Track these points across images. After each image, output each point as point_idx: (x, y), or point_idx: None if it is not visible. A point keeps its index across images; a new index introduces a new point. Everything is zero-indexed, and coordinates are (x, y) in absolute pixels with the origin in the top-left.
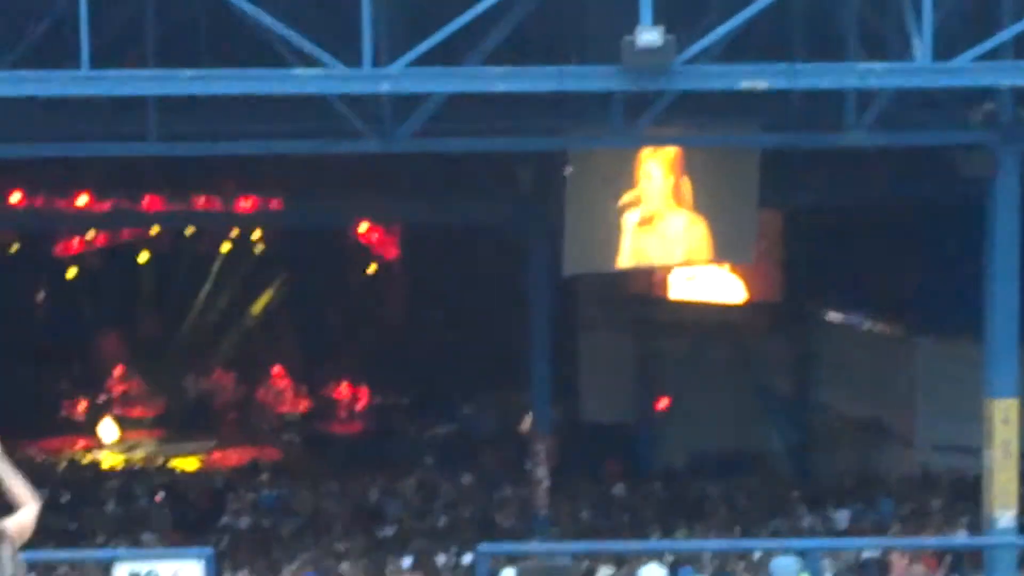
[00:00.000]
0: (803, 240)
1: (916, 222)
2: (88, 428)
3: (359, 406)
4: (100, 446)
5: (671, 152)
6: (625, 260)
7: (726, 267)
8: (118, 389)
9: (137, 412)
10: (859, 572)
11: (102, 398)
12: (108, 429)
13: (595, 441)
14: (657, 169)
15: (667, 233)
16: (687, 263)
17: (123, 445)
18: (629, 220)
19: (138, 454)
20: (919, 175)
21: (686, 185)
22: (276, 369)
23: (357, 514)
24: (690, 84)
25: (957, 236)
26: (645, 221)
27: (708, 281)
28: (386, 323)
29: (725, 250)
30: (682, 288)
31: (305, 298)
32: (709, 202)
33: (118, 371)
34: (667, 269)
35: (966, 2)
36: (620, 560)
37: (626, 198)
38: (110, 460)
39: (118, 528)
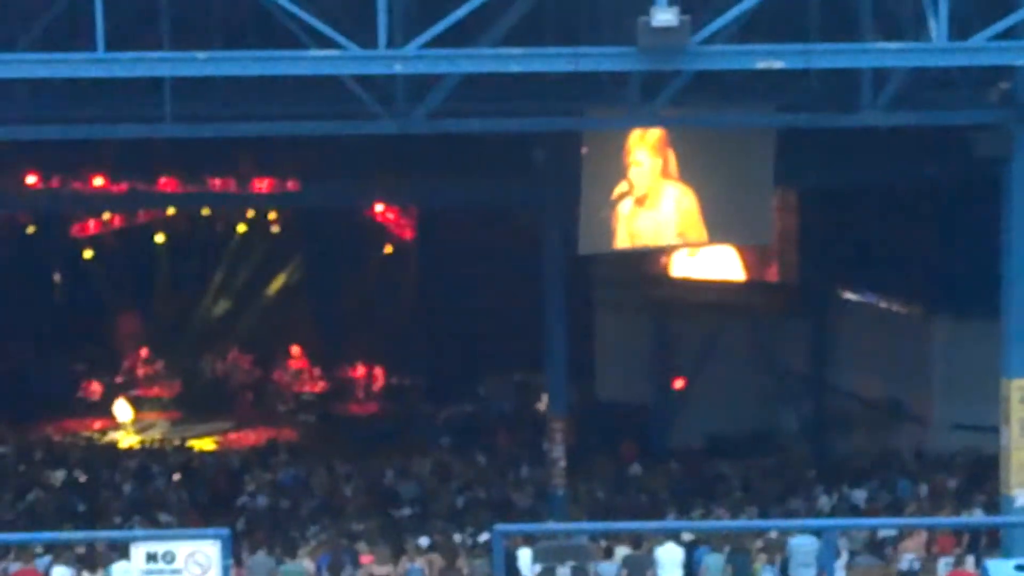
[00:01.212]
0: (819, 220)
1: (932, 202)
2: (105, 409)
3: (375, 387)
4: (119, 425)
5: (656, 133)
6: (622, 241)
7: (729, 246)
8: (142, 370)
9: (154, 392)
10: (875, 550)
11: (119, 379)
12: (123, 409)
13: (611, 421)
14: (644, 154)
15: (660, 214)
16: (683, 243)
17: (139, 425)
18: (624, 207)
19: (154, 434)
20: (935, 155)
21: (672, 162)
22: (293, 350)
23: (373, 494)
24: (705, 64)
25: (973, 215)
26: (639, 202)
27: (725, 259)
28: (402, 304)
29: (740, 230)
30: (701, 266)
31: (321, 279)
32: (712, 184)
33: (143, 352)
34: (666, 249)
35: None
36: (637, 540)
37: (618, 190)
38: (127, 441)
39: (135, 509)
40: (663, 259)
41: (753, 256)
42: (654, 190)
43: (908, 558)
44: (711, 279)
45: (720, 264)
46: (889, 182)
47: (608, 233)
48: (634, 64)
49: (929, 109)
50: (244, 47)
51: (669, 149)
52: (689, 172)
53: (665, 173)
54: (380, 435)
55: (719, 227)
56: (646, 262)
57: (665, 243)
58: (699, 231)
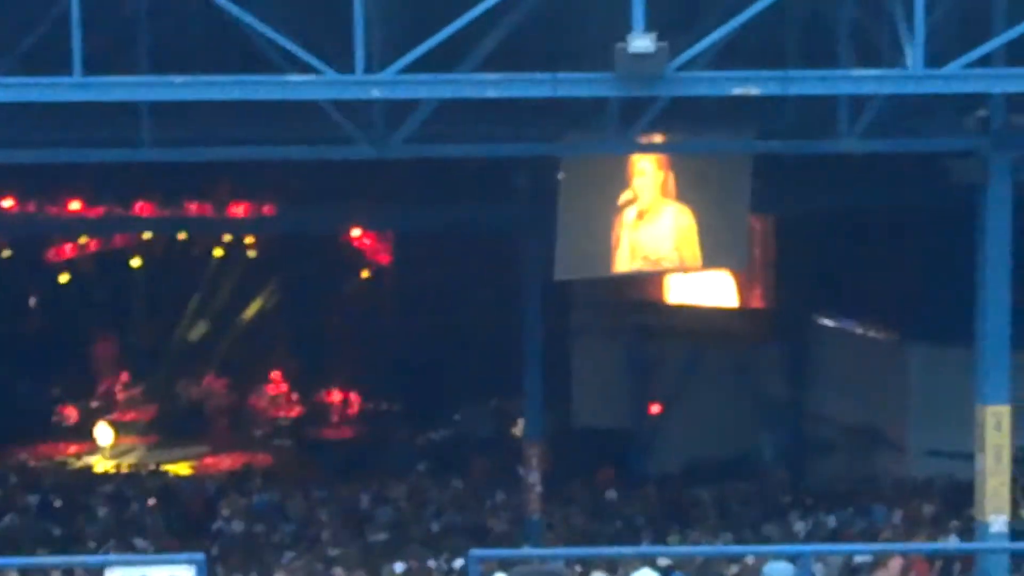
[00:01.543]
0: (796, 246)
1: (909, 228)
2: (81, 433)
3: (351, 412)
4: (94, 450)
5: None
6: (623, 262)
7: (722, 271)
8: (121, 394)
9: (131, 417)
10: None
11: (95, 403)
12: (103, 433)
13: (588, 446)
14: (648, 164)
15: (659, 229)
16: (681, 267)
17: (117, 449)
18: (627, 216)
19: (131, 459)
20: (912, 181)
21: (671, 182)
22: (268, 374)
23: (349, 520)
24: (683, 90)
25: (949, 242)
26: (640, 216)
27: (703, 285)
28: (379, 328)
29: (718, 256)
30: (678, 291)
31: (298, 303)
32: (701, 208)
33: (123, 376)
34: (663, 271)
35: (958, 9)
36: (613, 565)
37: (624, 196)
38: (102, 465)
39: (110, 533)
40: (647, 283)
41: (730, 282)
42: (655, 206)
43: None
44: (688, 304)
45: (707, 289)
46: (865, 208)
47: (603, 257)
48: (612, 90)
49: (906, 136)
50: (222, 72)
51: (669, 170)
52: (683, 194)
53: (665, 191)
54: (356, 460)
55: (699, 246)
56: (624, 287)
57: (665, 259)
58: (694, 254)
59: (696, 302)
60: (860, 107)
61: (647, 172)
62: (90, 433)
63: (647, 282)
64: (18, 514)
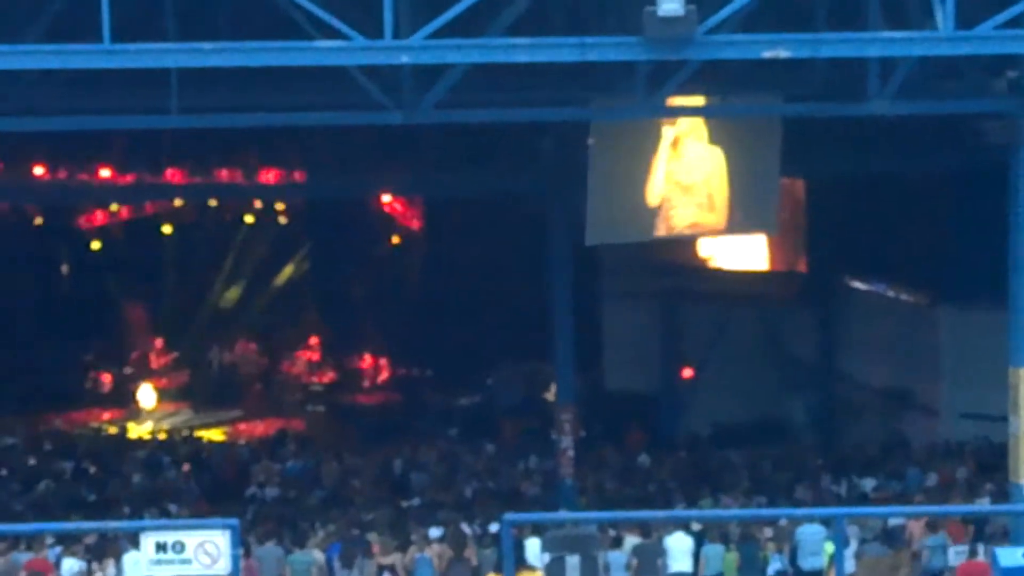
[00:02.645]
0: (827, 209)
1: (940, 191)
2: (114, 400)
3: (383, 377)
4: (130, 416)
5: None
6: (655, 192)
7: (753, 234)
8: (156, 361)
9: (164, 383)
10: (888, 539)
11: (128, 370)
12: (146, 395)
13: (620, 411)
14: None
15: (691, 159)
16: (708, 204)
17: (160, 413)
18: (664, 142)
19: (174, 422)
20: (942, 144)
21: (706, 130)
22: (301, 340)
23: (382, 485)
24: (712, 54)
25: (981, 204)
26: (675, 143)
27: (733, 248)
28: (409, 294)
29: (749, 219)
30: (709, 254)
31: (328, 269)
32: (732, 164)
33: (157, 343)
34: (695, 230)
35: None
36: (646, 529)
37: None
38: (137, 431)
39: (144, 499)
40: (683, 245)
41: (761, 245)
42: (689, 135)
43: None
44: (719, 267)
45: (737, 252)
46: (896, 171)
47: (637, 221)
48: (640, 54)
49: (936, 98)
50: (251, 38)
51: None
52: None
53: (699, 133)
54: (388, 426)
55: (729, 216)
56: (654, 251)
57: (692, 190)
58: (723, 197)
59: (727, 265)
60: (890, 70)
61: (682, 124)
62: (124, 399)
63: (677, 246)
64: (53, 480)
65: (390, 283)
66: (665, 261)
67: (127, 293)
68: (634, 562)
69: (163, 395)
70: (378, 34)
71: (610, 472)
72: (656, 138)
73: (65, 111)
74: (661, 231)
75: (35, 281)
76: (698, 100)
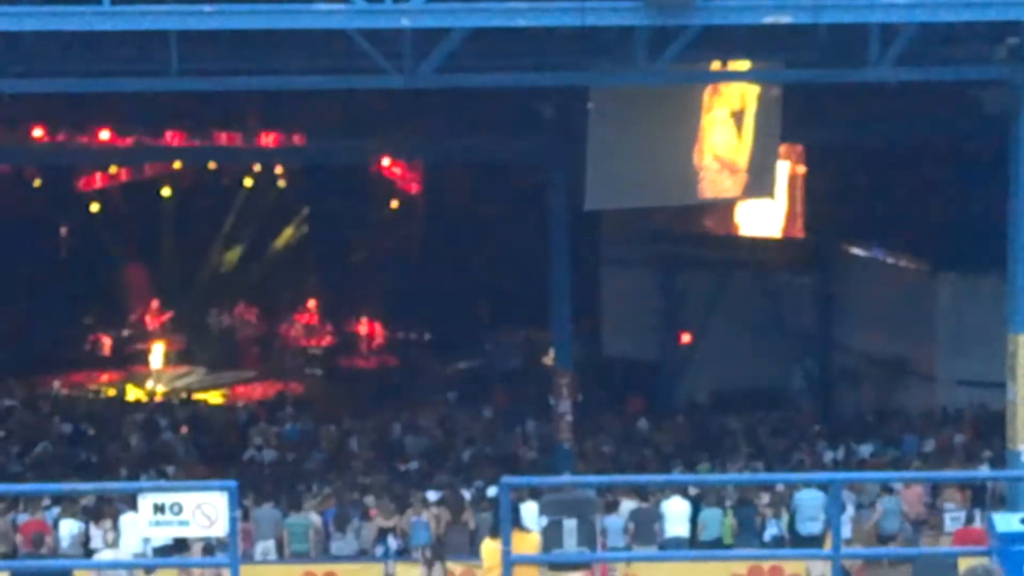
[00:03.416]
0: (826, 176)
1: (940, 158)
2: (112, 362)
3: (381, 341)
4: (143, 376)
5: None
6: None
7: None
8: (152, 322)
9: (163, 346)
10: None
11: (126, 332)
12: (157, 356)
13: (618, 376)
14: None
15: (716, 136)
16: (711, 195)
17: (170, 375)
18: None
19: (188, 381)
20: (943, 111)
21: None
22: (299, 304)
23: (380, 448)
24: (712, 19)
25: (980, 172)
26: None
27: (733, 214)
28: (408, 258)
29: (748, 185)
30: (708, 220)
31: (327, 233)
32: (742, 138)
33: (154, 304)
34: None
35: None
36: (643, 493)
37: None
38: (135, 393)
39: (142, 461)
40: (682, 211)
41: (761, 211)
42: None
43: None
44: (718, 233)
45: (737, 218)
46: (896, 138)
47: (627, 186)
48: (641, 19)
49: (937, 65)
50: (251, 0)
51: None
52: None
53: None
54: (387, 389)
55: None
56: (654, 217)
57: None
58: (739, 183)
59: (726, 231)
60: (891, 36)
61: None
62: (123, 362)
63: (677, 212)
64: (51, 442)
65: (389, 247)
66: (664, 228)
67: (126, 256)
68: (631, 526)
69: (167, 358)
70: None
71: (608, 437)
72: (659, 103)
73: (64, 73)
74: (685, 198)
75: (34, 243)
76: (698, 66)
